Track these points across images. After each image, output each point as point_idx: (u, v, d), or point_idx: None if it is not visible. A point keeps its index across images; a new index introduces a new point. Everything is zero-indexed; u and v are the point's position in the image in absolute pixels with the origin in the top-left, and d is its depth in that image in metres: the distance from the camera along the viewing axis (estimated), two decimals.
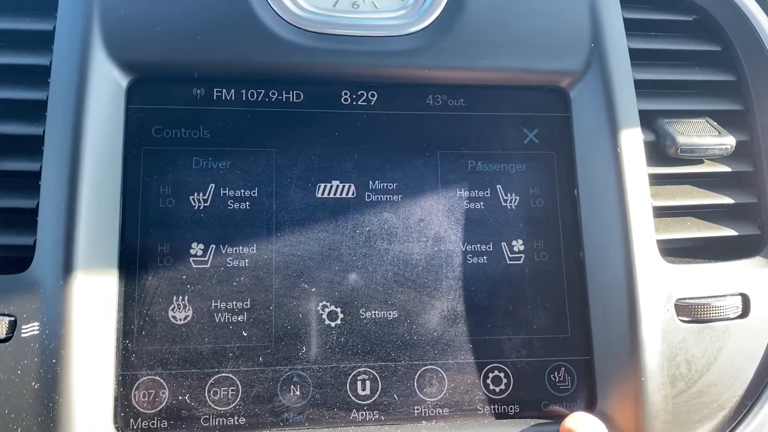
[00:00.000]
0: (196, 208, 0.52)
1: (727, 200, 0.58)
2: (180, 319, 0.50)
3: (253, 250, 0.51)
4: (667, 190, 0.57)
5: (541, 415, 0.52)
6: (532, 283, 0.54)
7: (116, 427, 0.47)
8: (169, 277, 0.50)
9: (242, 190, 0.52)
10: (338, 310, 0.51)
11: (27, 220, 0.48)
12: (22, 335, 0.45)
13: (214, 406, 0.49)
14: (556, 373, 0.53)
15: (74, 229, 0.47)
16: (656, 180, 0.56)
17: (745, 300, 0.54)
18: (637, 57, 0.58)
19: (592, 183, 0.54)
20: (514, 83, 0.56)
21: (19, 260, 0.48)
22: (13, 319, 0.46)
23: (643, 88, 0.58)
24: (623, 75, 0.56)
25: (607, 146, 0.54)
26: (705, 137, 0.56)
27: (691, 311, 0.52)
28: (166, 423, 0.48)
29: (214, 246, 0.51)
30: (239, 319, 0.50)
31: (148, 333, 0.49)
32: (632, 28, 0.59)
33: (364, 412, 0.50)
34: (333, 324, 0.51)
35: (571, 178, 0.55)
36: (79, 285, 0.47)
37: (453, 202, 0.54)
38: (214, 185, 0.52)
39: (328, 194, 0.53)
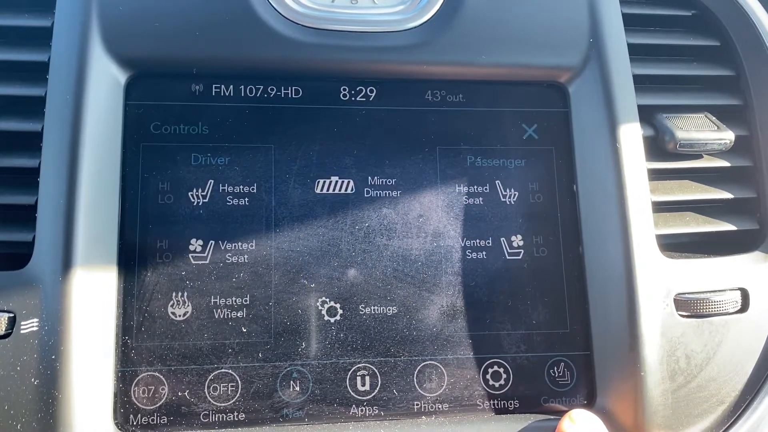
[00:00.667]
0: (195, 204, 0.52)
1: (726, 195, 0.58)
2: (179, 315, 0.50)
3: (252, 246, 0.51)
4: (666, 185, 0.57)
5: (540, 410, 0.52)
6: (531, 278, 0.54)
7: (116, 423, 0.47)
8: (168, 273, 0.50)
9: (241, 186, 0.52)
10: (337, 305, 0.51)
11: (26, 216, 0.48)
12: (22, 331, 0.45)
13: (214, 402, 0.49)
14: (555, 368, 0.53)
15: (73, 226, 0.47)
16: (655, 175, 0.56)
17: (745, 295, 0.54)
18: (636, 52, 0.58)
19: (591, 178, 0.54)
20: (512, 79, 0.56)
21: (18, 257, 0.48)
22: (12, 315, 0.46)
23: (641, 83, 0.58)
24: (622, 70, 0.56)
25: (606, 141, 0.54)
26: (704, 132, 0.56)
27: (690, 306, 0.52)
28: (165, 419, 0.48)
29: (213, 242, 0.51)
30: (238, 315, 0.50)
31: (148, 329, 0.49)
32: (631, 23, 0.59)
33: (363, 408, 0.50)
34: (332, 320, 0.51)
35: (570, 174, 0.55)
36: (79, 281, 0.47)
37: (452, 198, 0.54)
38: (213, 181, 0.52)
39: (327, 190, 0.53)
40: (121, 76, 0.52)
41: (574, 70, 0.56)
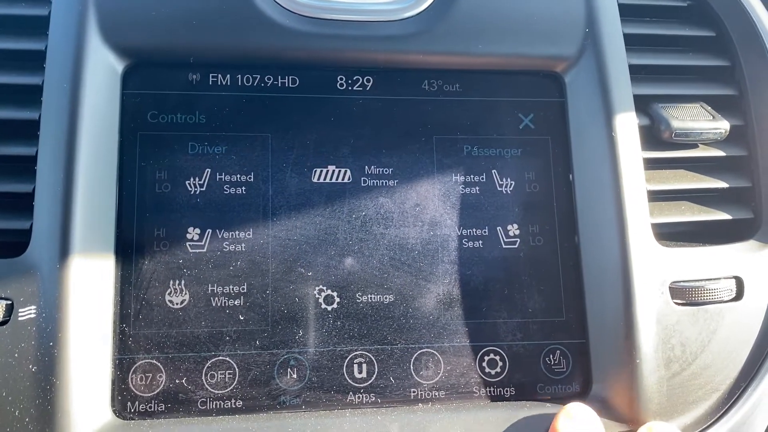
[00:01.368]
0: (192, 192, 0.52)
1: (721, 184, 0.58)
2: (177, 303, 0.50)
3: (249, 234, 0.51)
4: (661, 175, 0.57)
5: (536, 398, 0.52)
6: (527, 267, 0.54)
7: (113, 410, 0.47)
8: (165, 261, 0.50)
9: (238, 175, 0.52)
10: (334, 294, 0.52)
11: (23, 204, 0.48)
12: (19, 319, 0.46)
13: (211, 390, 0.49)
14: (551, 356, 0.53)
15: (70, 214, 0.47)
16: (651, 164, 0.57)
17: (739, 283, 0.54)
18: (632, 42, 0.58)
19: (587, 167, 0.55)
20: (509, 68, 0.56)
21: (15, 244, 0.48)
22: (9, 302, 0.46)
23: (637, 73, 0.58)
24: (618, 60, 0.56)
25: (602, 131, 0.54)
26: (699, 121, 0.57)
27: (685, 294, 0.53)
28: (163, 406, 0.48)
29: (210, 231, 0.51)
30: (236, 303, 0.50)
31: (145, 317, 0.49)
32: (627, 13, 0.59)
33: (360, 395, 0.51)
34: (329, 308, 0.51)
35: (566, 163, 0.56)
36: (76, 269, 0.47)
37: (449, 187, 0.54)
38: (210, 170, 0.52)
39: (324, 179, 0.53)
40: (118, 65, 0.52)
41: (570, 59, 0.56)
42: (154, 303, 0.50)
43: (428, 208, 0.54)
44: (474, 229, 0.54)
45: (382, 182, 0.54)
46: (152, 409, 0.48)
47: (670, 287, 0.53)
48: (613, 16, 0.57)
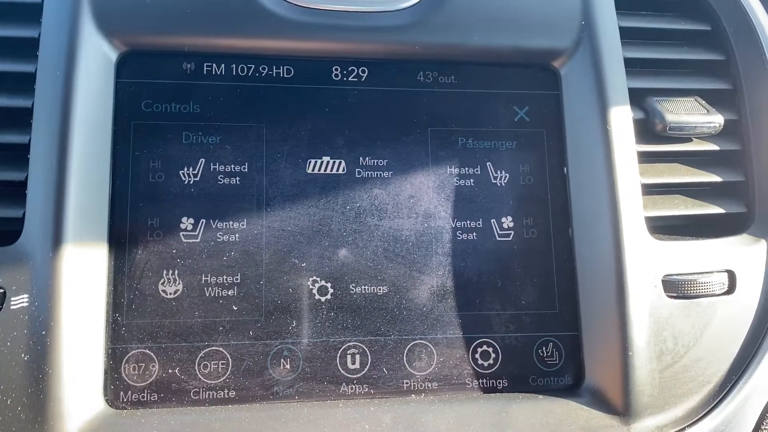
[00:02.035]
0: (186, 182, 0.51)
1: (715, 178, 0.58)
2: (170, 293, 0.50)
3: (243, 225, 0.51)
4: (655, 168, 0.57)
5: (528, 390, 0.52)
6: (521, 259, 0.54)
7: (106, 400, 0.47)
8: (159, 251, 0.50)
9: (232, 165, 0.52)
10: (328, 285, 0.52)
11: (16, 192, 0.48)
12: (12, 307, 0.45)
13: (204, 380, 0.49)
14: (544, 348, 0.53)
15: (63, 202, 0.47)
16: (645, 158, 0.57)
17: (732, 277, 0.55)
18: (627, 35, 0.58)
19: (581, 160, 0.55)
20: (504, 61, 0.56)
21: (8, 233, 0.48)
22: (2, 291, 0.46)
23: (632, 66, 0.58)
24: (613, 53, 0.56)
25: (597, 124, 0.54)
26: (694, 115, 0.57)
27: (678, 287, 0.53)
28: (156, 396, 0.48)
29: (204, 221, 0.51)
30: (229, 293, 0.50)
31: (138, 307, 0.49)
32: (623, 6, 0.59)
33: (353, 386, 0.51)
34: (323, 299, 0.51)
35: (561, 156, 0.56)
36: (69, 258, 0.47)
37: (443, 179, 0.54)
38: (204, 160, 0.52)
39: (319, 170, 0.53)
40: (112, 54, 0.51)
41: (566, 52, 0.56)
42: (147, 293, 0.49)
43: (422, 199, 0.54)
44: (468, 221, 0.54)
45: (377, 174, 0.54)
46: (145, 399, 0.48)
47: (663, 280, 0.53)
48: (609, 9, 0.57)
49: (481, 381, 0.52)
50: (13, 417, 0.44)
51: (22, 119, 0.50)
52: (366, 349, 0.51)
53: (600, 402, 0.51)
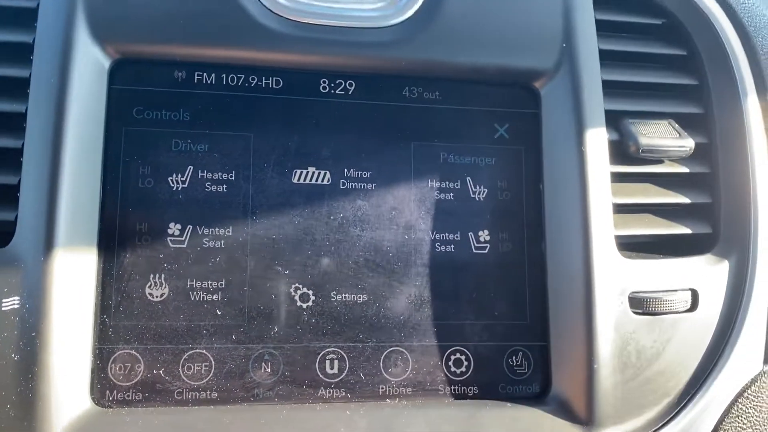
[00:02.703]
0: (174, 189, 0.53)
1: (684, 200, 0.61)
2: (156, 296, 0.51)
3: (229, 232, 0.53)
4: (627, 188, 0.60)
5: (498, 397, 0.55)
6: (495, 272, 0.56)
7: (92, 398, 0.49)
8: (146, 255, 0.52)
9: (220, 173, 0.54)
10: (310, 292, 0.53)
11: (9, 195, 0.49)
12: (3, 308, 0.47)
13: (188, 381, 0.51)
14: (514, 358, 0.56)
15: (55, 206, 0.49)
16: (618, 178, 0.59)
17: (695, 295, 0.57)
18: (607, 58, 0.60)
19: (556, 178, 0.57)
20: (487, 79, 0.58)
21: (0, 235, 0.49)
22: None
23: (610, 88, 0.60)
24: (592, 75, 0.58)
25: (573, 144, 0.57)
26: (666, 139, 0.59)
27: (643, 304, 0.56)
28: (140, 395, 0.50)
29: (191, 227, 0.53)
30: (214, 298, 0.52)
31: (125, 309, 0.51)
32: (603, 28, 0.61)
33: (331, 390, 0.53)
34: (304, 305, 0.53)
35: (538, 173, 0.58)
36: (59, 261, 0.48)
37: (424, 192, 0.56)
38: (192, 167, 0.54)
39: (304, 180, 0.55)
40: (105, 61, 0.53)
41: (547, 73, 0.58)
42: (134, 295, 0.51)
43: (404, 212, 0.56)
44: (447, 234, 0.56)
45: (361, 185, 0.56)
46: (130, 398, 0.50)
47: (629, 297, 0.55)
48: (590, 32, 0.59)
49: (453, 387, 0.55)
50: (2, 414, 0.46)
51: (15, 123, 0.51)
52: (344, 354, 0.53)
53: (565, 411, 0.54)
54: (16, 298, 0.47)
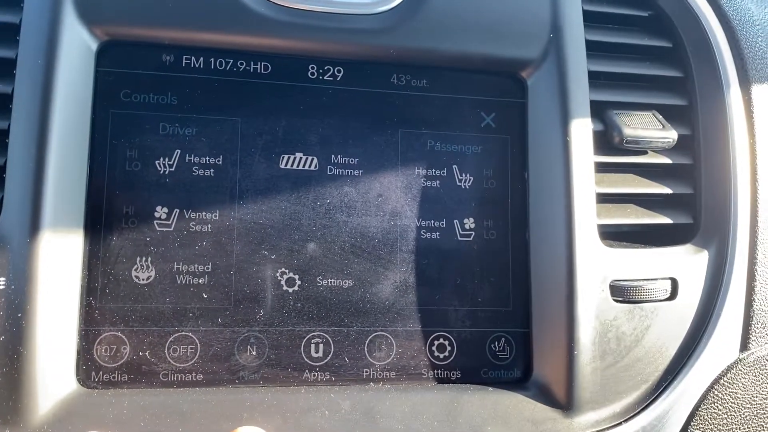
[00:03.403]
0: (161, 172, 0.53)
1: (666, 190, 0.61)
2: (143, 279, 0.52)
3: (216, 216, 0.53)
4: (610, 178, 0.60)
5: (480, 381, 0.56)
6: (479, 259, 0.57)
7: (78, 380, 0.50)
8: (133, 238, 0.52)
9: (207, 158, 0.54)
10: (296, 276, 0.54)
11: None
12: None
13: (173, 363, 0.51)
14: (496, 343, 0.57)
15: (41, 188, 0.49)
16: (601, 168, 0.60)
17: (674, 284, 0.58)
18: (593, 48, 0.61)
19: (541, 167, 0.58)
20: (474, 68, 0.59)
21: None
22: None
23: (596, 78, 0.60)
24: (578, 66, 0.59)
25: (558, 134, 0.57)
26: (650, 130, 0.60)
27: (624, 292, 0.57)
28: (126, 377, 0.51)
29: (177, 210, 0.53)
30: (200, 281, 0.52)
31: (112, 291, 0.51)
32: (589, 19, 0.61)
33: (316, 373, 0.54)
34: (290, 290, 0.54)
35: (523, 162, 0.58)
36: (45, 242, 0.48)
37: (411, 180, 0.57)
38: (179, 151, 0.54)
39: (292, 165, 0.55)
40: (92, 43, 0.52)
41: (534, 63, 0.59)
42: (120, 278, 0.51)
43: (390, 198, 0.56)
44: (432, 221, 0.57)
45: (348, 172, 0.56)
46: (115, 380, 0.50)
47: (610, 285, 0.56)
48: (577, 23, 0.60)
49: (436, 372, 0.56)
50: None
51: (1, 104, 0.50)
52: (329, 338, 0.54)
53: (545, 396, 0.55)
54: (2, 279, 0.47)
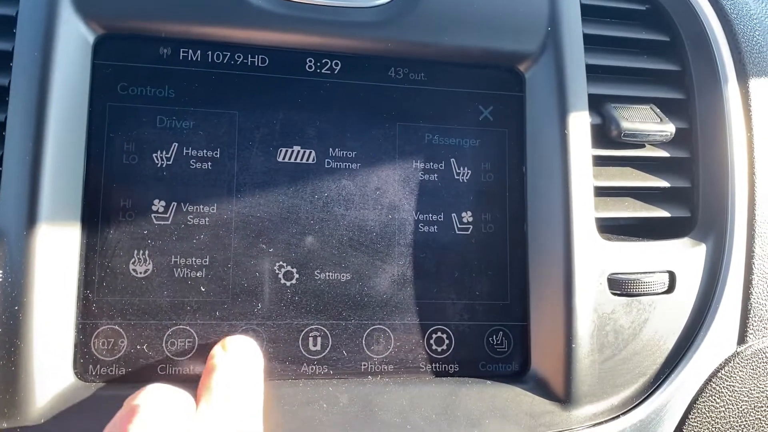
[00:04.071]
0: (158, 165, 0.53)
1: (664, 183, 0.62)
2: (140, 273, 0.52)
3: (213, 209, 0.53)
4: (608, 171, 0.60)
5: (478, 375, 0.56)
6: (477, 252, 0.57)
7: (75, 373, 0.49)
8: (130, 231, 0.52)
9: (205, 151, 0.54)
10: (294, 270, 0.54)
11: None
12: None
13: (171, 356, 0.51)
14: (494, 337, 0.57)
15: (38, 181, 0.48)
16: (599, 161, 0.60)
17: (672, 277, 0.58)
18: (591, 42, 0.61)
19: (539, 161, 0.58)
20: (472, 61, 0.59)
21: None
22: None
23: (593, 72, 0.60)
24: (576, 59, 0.59)
25: (556, 127, 0.57)
26: (647, 124, 0.60)
27: (622, 285, 0.57)
28: (123, 370, 0.50)
29: (175, 203, 0.53)
30: (198, 275, 0.52)
31: (109, 284, 0.51)
32: (587, 13, 0.61)
33: (314, 366, 0.53)
34: (288, 283, 0.54)
35: (521, 156, 0.58)
36: (42, 235, 0.48)
37: (408, 173, 0.57)
38: (177, 144, 0.53)
39: (289, 159, 0.55)
40: (89, 35, 0.52)
41: (531, 56, 0.59)
42: (118, 271, 0.51)
43: (388, 192, 0.56)
44: (430, 215, 0.57)
45: (345, 165, 0.56)
46: (113, 373, 0.50)
47: (608, 278, 0.56)
48: (575, 16, 0.60)
49: (434, 365, 0.56)
50: None
51: None
52: (327, 332, 0.54)
53: (543, 389, 0.55)
54: None
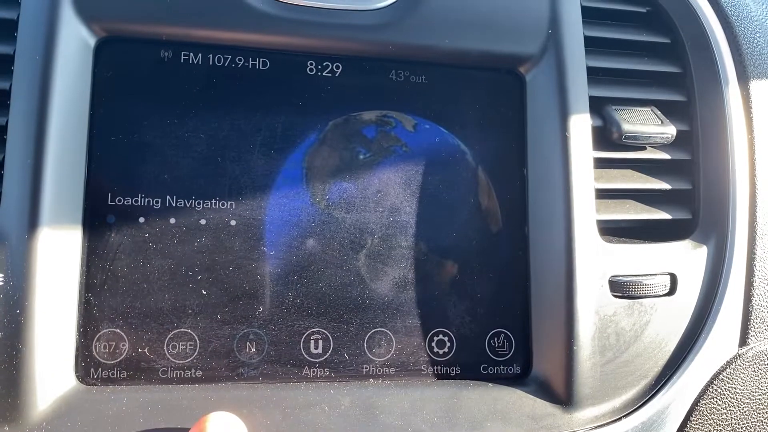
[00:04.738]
0: (160, 169, 0.53)
1: (665, 186, 0.61)
2: (141, 276, 0.52)
3: (215, 212, 0.53)
4: (609, 174, 0.60)
5: (479, 377, 0.56)
6: (478, 254, 0.57)
7: (77, 376, 0.49)
8: (131, 234, 0.52)
9: (206, 153, 0.54)
10: (295, 273, 0.54)
11: None
12: None
13: (173, 359, 0.51)
14: (495, 339, 0.57)
15: (40, 184, 0.48)
16: (600, 163, 0.60)
17: (673, 279, 0.58)
18: (591, 44, 0.61)
19: (540, 163, 0.58)
20: (473, 64, 0.59)
21: None
22: None
23: (594, 74, 0.60)
24: (577, 62, 0.59)
25: (557, 129, 0.57)
26: (648, 126, 0.60)
27: (623, 288, 0.57)
28: (125, 373, 0.50)
29: (176, 207, 0.53)
30: (199, 277, 0.52)
31: (110, 288, 0.51)
32: (588, 15, 0.61)
33: (315, 369, 0.53)
34: (289, 286, 0.54)
35: (522, 158, 0.58)
36: (44, 239, 0.48)
37: (410, 176, 0.57)
38: (178, 147, 0.53)
39: (290, 161, 0.55)
40: (90, 39, 0.52)
41: (532, 59, 0.59)
42: (119, 274, 0.51)
43: (389, 195, 0.56)
44: (431, 217, 0.57)
45: (346, 167, 0.56)
46: (115, 376, 0.50)
47: (609, 280, 0.56)
48: (576, 19, 0.60)
49: (435, 368, 0.55)
50: None
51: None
52: (329, 335, 0.54)
53: (545, 391, 0.55)
54: (0, 275, 0.47)
